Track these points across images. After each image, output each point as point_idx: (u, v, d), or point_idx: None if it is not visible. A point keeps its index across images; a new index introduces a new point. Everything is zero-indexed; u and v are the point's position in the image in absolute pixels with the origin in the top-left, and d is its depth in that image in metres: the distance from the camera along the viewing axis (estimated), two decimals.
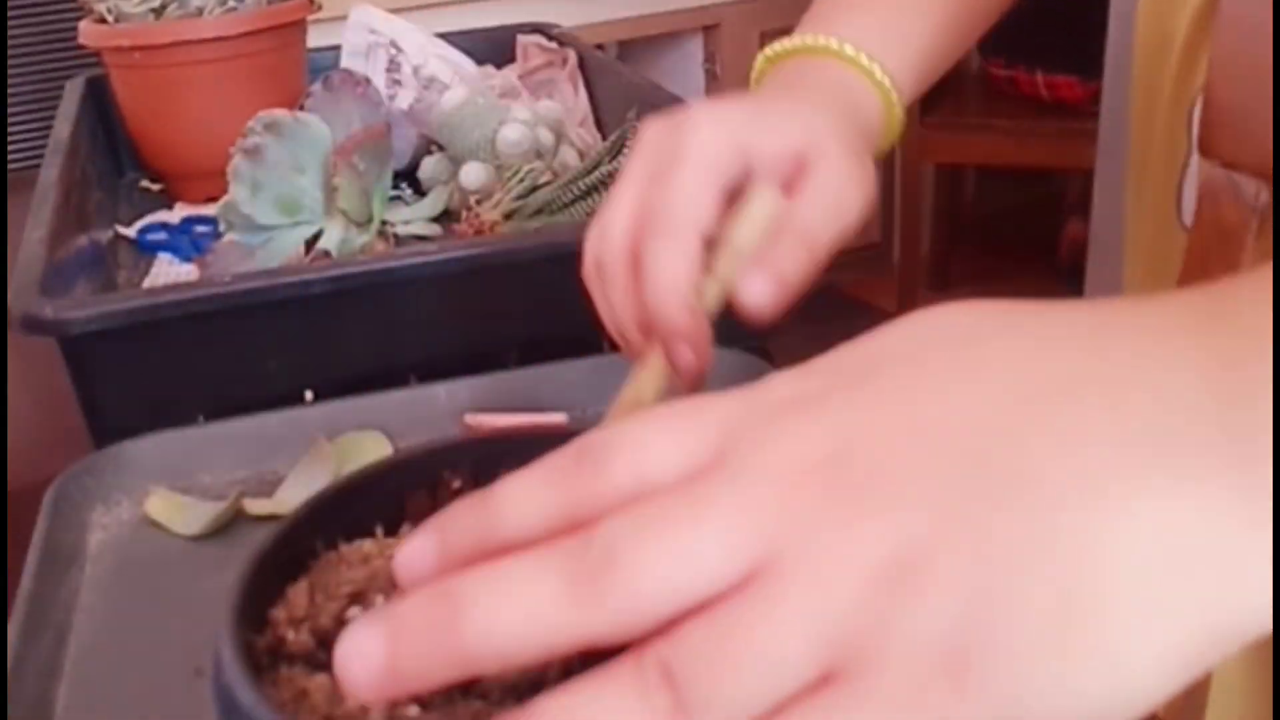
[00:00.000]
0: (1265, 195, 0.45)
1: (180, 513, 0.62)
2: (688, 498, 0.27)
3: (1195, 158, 0.50)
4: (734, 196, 0.49)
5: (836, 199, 0.49)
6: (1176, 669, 0.25)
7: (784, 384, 0.30)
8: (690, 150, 0.48)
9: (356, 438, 0.66)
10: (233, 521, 0.62)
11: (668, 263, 0.47)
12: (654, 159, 0.49)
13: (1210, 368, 0.26)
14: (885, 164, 2.93)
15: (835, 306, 2.90)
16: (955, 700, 0.25)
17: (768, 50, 0.59)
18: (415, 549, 0.31)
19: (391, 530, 0.47)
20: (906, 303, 2.70)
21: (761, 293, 0.46)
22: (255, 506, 0.62)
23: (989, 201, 3.18)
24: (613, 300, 0.50)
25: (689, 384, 0.48)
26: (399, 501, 0.47)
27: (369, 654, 0.28)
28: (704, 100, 0.53)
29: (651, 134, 0.50)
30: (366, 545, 0.46)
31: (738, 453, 0.28)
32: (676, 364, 0.47)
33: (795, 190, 0.49)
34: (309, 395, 0.71)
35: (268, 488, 0.64)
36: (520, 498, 0.30)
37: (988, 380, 0.27)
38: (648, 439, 0.29)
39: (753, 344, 0.78)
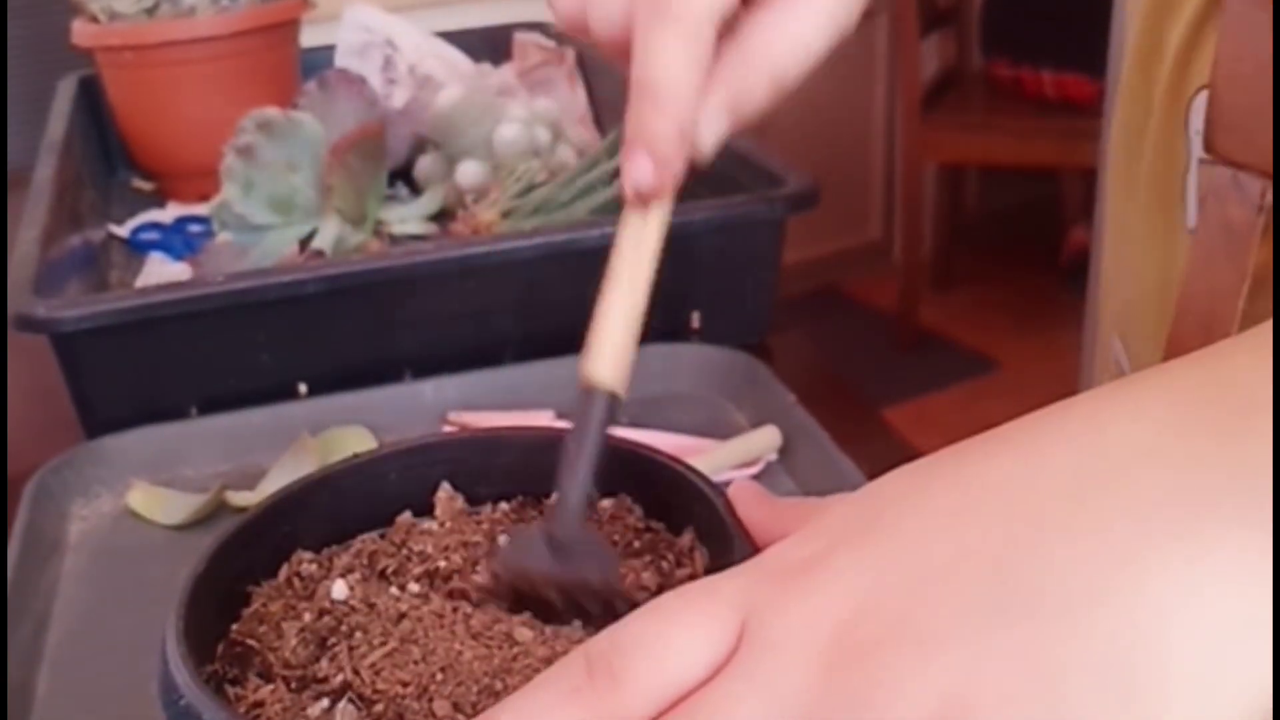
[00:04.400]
0: (1271, 195, 0.44)
1: (162, 504, 0.62)
2: (724, 695, 0.26)
3: (1195, 161, 0.50)
4: None
5: (805, 33, 0.41)
6: None
7: (788, 550, 0.29)
8: None
9: (340, 433, 0.66)
10: (215, 513, 0.62)
11: (669, 62, 0.39)
12: None
13: (1210, 434, 0.25)
14: (886, 162, 2.92)
15: (835, 306, 2.89)
16: None
17: None
18: None
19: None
20: (907, 302, 2.69)
21: (722, 126, 0.41)
22: (238, 498, 0.61)
23: (991, 201, 3.17)
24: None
25: (635, 200, 0.42)
26: (369, 502, 0.47)
27: None
28: None
29: None
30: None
31: (761, 626, 0.27)
32: (631, 177, 0.41)
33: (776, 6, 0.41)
34: (303, 389, 0.71)
35: (251, 481, 0.64)
36: (529, 707, 0.28)
37: (988, 508, 0.27)
38: (666, 636, 0.28)
39: (752, 342, 0.78)
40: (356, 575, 0.44)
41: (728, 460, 0.62)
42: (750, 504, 0.39)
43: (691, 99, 0.39)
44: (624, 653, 0.27)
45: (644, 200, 0.41)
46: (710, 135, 0.41)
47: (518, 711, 0.28)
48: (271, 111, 0.88)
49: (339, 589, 0.42)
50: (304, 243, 0.87)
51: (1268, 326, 0.27)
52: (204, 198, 0.94)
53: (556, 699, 0.28)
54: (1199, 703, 0.24)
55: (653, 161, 0.40)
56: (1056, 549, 0.25)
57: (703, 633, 0.27)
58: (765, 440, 0.64)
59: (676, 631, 0.27)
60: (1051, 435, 0.28)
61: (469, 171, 0.98)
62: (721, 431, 0.67)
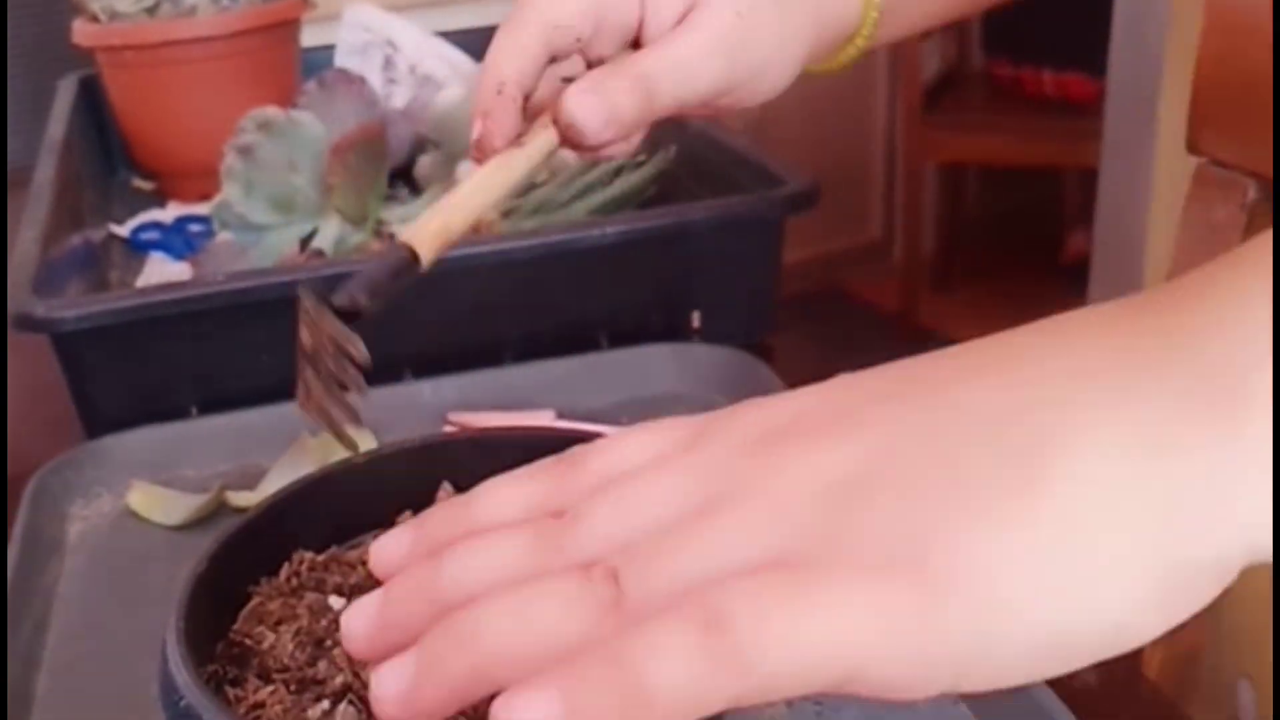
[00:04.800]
0: (1254, 192, 0.45)
1: (162, 504, 0.62)
2: (653, 470, 0.29)
3: None
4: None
5: (689, 59, 0.50)
6: (1149, 588, 0.25)
7: (753, 406, 0.32)
8: None
9: None
10: (215, 513, 0.62)
11: (500, 45, 0.49)
12: None
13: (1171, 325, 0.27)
14: (887, 162, 2.92)
15: (835, 306, 2.89)
16: (915, 588, 0.25)
17: None
18: (392, 539, 0.32)
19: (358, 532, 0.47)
20: (908, 302, 2.69)
21: (588, 106, 0.48)
22: (238, 499, 0.62)
23: (991, 201, 3.17)
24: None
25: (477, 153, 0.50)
26: (370, 502, 0.47)
27: (364, 615, 0.30)
28: None
29: None
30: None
31: (708, 436, 0.30)
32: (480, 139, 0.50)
33: (665, 35, 0.50)
34: None
35: (251, 481, 0.64)
36: (499, 494, 0.32)
37: (972, 384, 0.28)
38: (622, 442, 0.31)
39: (752, 342, 0.78)
40: (354, 580, 0.44)
41: None
42: None
43: (510, 66, 0.49)
44: (587, 450, 0.32)
45: (481, 151, 0.50)
46: (574, 106, 0.48)
47: (490, 487, 0.32)
48: (272, 111, 0.88)
49: (335, 603, 0.43)
50: (304, 242, 0.88)
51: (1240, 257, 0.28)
52: (204, 197, 0.94)
53: (525, 473, 0.32)
54: (1101, 526, 0.25)
55: (480, 120, 0.49)
56: (989, 378, 0.28)
57: (654, 445, 0.31)
58: None
59: (631, 441, 0.31)
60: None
61: (469, 171, 0.98)
62: None
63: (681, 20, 0.50)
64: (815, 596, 0.25)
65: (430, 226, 0.47)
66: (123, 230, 1.02)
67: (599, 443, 0.31)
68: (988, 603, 0.25)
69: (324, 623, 0.41)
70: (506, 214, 0.92)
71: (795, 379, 0.68)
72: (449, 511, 0.32)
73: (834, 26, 0.55)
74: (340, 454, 0.61)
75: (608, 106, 0.48)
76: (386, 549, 0.32)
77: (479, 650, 0.27)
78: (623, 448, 0.31)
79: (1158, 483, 0.25)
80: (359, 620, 0.30)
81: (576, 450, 0.32)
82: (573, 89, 0.48)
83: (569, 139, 0.49)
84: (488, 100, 0.48)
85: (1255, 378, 0.25)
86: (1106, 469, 0.25)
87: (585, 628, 0.27)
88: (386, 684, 0.27)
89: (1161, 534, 0.25)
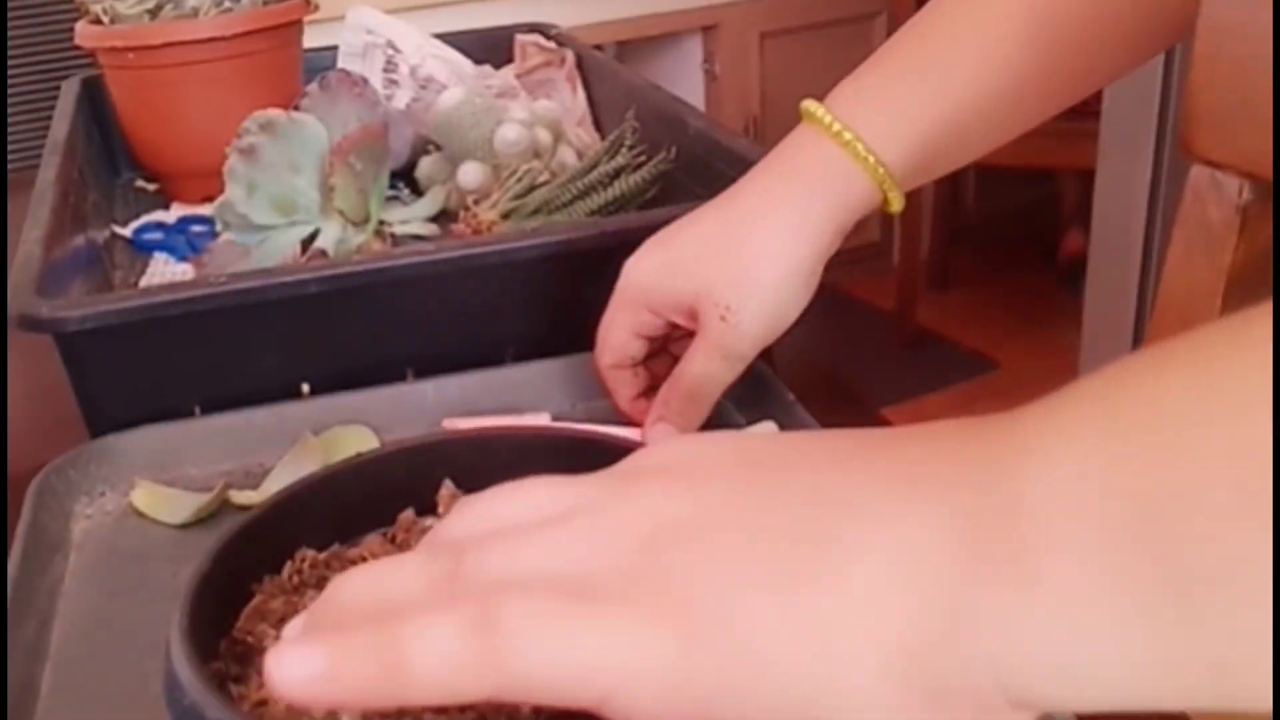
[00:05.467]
0: (1248, 194, 0.45)
1: (165, 503, 0.62)
2: (545, 532, 0.32)
3: None
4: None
5: (722, 348, 0.58)
6: (889, 687, 0.27)
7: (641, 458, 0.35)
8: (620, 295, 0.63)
9: (342, 432, 0.66)
10: (218, 511, 0.62)
11: (607, 333, 0.62)
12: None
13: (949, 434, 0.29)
14: None
15: (835, 306, 2.90)
16: (680, 631, 0.28)
17: (807, 104, 0.61)
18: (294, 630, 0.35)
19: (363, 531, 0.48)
20: (905, 303, 2.70)
21: (664, 433, 0.59)
22: (242, 497, 0.62)
23: (989, 202, 3.18)
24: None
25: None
26: (372, 500, 0.48)
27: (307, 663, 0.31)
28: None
29: None
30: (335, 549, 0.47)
31: (581, 498, 0.33)
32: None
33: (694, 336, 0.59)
34: (305, 388, 0.72)
35: (254, 480, 0.64)
36: (401, 578, 0.33)
37: (791, 473, 0.31)
38: (510, 494, 0.34)
39: None
40: None
41: None
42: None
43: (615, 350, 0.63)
44: (473, 500, 0.34)
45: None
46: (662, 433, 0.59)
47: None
48: (274, 112, 0.88)
49: None
50: (306, 243, 0.88)
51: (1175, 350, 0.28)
52: (207, 198, 0.95)
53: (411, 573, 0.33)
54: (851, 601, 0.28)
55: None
56: (827, 469, 0.30)
57: (538, 500, 0.33)
58: None
59: (516, 494, 0.34)
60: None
61: (470, 172, 0.99)
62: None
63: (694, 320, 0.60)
64: (588, 625, 0.28)
65: None
66: (125, 231, 1.02)
67: (489, 494, 0.34)
68: (739, 656, 0.27)
69: None
70: (506, 214, 0.92)
71: (794, 379, 0.69)
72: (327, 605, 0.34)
73: (855, 213, 0.59)
74: (343, 453, 0.62)
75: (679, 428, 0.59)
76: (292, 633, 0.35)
77: (337, 604, 0.32)
78: (507, 499, 0.34)
79: (911, 598, 0.27)
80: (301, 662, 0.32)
81: (466, 500, 0.35)
82: (656, 427, 0.60)
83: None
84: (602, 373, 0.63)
85: (1046, 530, 0.25)
86: (869, 575, 0.27)
87: (420, 596, 0.30)
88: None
89: (902, 642, 0.27)
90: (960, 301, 2.87)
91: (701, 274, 0.58)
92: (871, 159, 0.56)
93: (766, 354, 0.76)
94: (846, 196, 0.57)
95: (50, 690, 0.51)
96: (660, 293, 0.59)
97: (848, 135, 0.57)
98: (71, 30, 1.08)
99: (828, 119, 0.58)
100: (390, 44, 1.17)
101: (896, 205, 0.59)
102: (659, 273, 0.60)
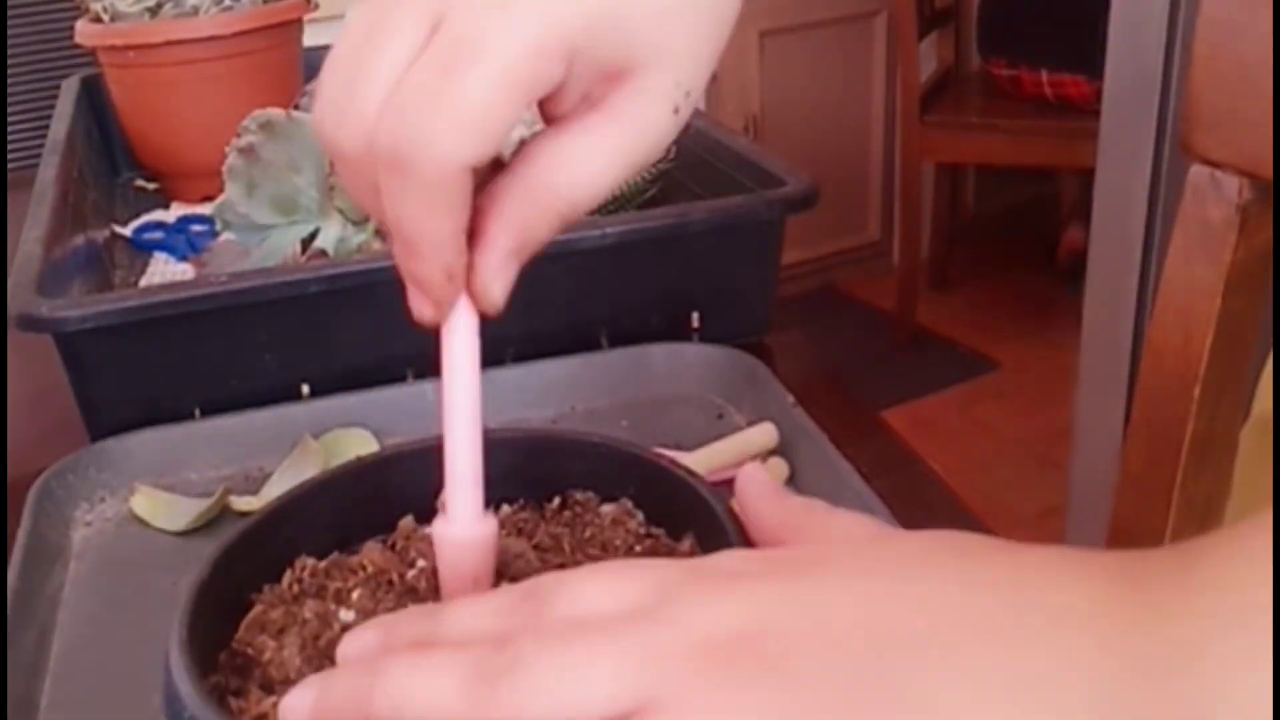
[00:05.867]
0: (1248, 193, 0.45)
1: (165, 509, 0.62)
2: (601, 633, 0.29)
3: None
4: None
5: (601, 168, 0.38)
6: None
7: (729, 560, 0.32)
8: (496, 39, 0.34)
9: (343, 435, 0.66)
10: (219, 518, 0.62)
11: (415, 215, 0.36)
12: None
13: (1117, 638, 0.27)
14: (885, 162, 2.93)
15: (834, 306, 2.90)
16: None
17: None
18: (361, 636, 0.34)
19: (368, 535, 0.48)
20: (905, 302, 2.70)
21: (502, 272, 0.39)
22: (241, 503, 0.62)
23: (989, 201, 3.18)
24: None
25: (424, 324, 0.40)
26: (372, 507, 0.48)
27: (298, 708, 0.32)
28: None
29: None
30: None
31: (666, 608, 0.30)
32: (415, 314, 0.40)
33: (580, 126, 0.38)
34: (305, 389, 0.72)
35: (254, 484, 0.64)
36: (465, 611, 0.33)
37: (910, 607, 0.28)
38: (590, 582, 0.31)
39: (751, 342, 0.78)
40: (361, 591, 0.44)
41: (723, 458, 0.63)
42: (757, 495, 0.39)
43: (449, 243, 0.37)
44: (555, 584, 0.32)
45: (434, 328, 0.40)
46: (500, 286, 0.39)
47: (460, 603, 0.33)
48: (274, 111, 0.88)
49: (344, 616, 0.43)
50: (306, 243, 0.88)
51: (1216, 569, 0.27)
52: (207, 198, 0.95)
53: (495, 600, 0.32)
54: None
55: (429, 301, 0.39)
56: (936, 670, 0.27)
57: (617, 592, 0.31)
58: (761, 438, 0.64)
59: (597, 584, 0.31)
60: (997, 570, 0.29)
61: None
62: (721, 432, 0.67)
63: (596, 97, 0.38)
64: None
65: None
66: (126, 230, 1.02)
67: (568, 578, 0.32)
68: None
69: (329, 635, 0.42)
70: None
71: (794, 379, 0.69)
72: (416, 618, 0.34)
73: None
74: (343, 457, 0.62)
75: (527, 252, 0.39)
76: (354, 643, 0.34)
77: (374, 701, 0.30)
78: (586, 590, 0.31)
79: None
80: (297, 707, 0.32)
81: (546, 581, 0.32)
82: (496, 264, 0.38)
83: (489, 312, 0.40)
84: (440, 289, 0.39)
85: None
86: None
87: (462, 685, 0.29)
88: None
89: None
90: (960, 301, 2.87)
91: (656, 39, 0.37)
92: None
93: (766, 354, 0.76)
94: None
95: (50, 704, 0.51)
96: (601, 44, 0.36)
97: None
98: (71, 29, 1.08)
99: None
100: None
101: None
102: (599, 20, 0.36)
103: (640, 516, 0.47)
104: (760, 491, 0.39)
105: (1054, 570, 0.29)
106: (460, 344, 0.40)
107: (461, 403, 0.39)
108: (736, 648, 0.28)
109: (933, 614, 0.28)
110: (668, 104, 0.38)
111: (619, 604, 0.30)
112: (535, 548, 0.45)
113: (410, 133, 0.34)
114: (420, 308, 0.39)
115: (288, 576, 0.45)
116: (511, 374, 0.72)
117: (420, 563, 0.45)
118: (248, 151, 0.87)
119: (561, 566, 0.44)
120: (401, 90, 0.34)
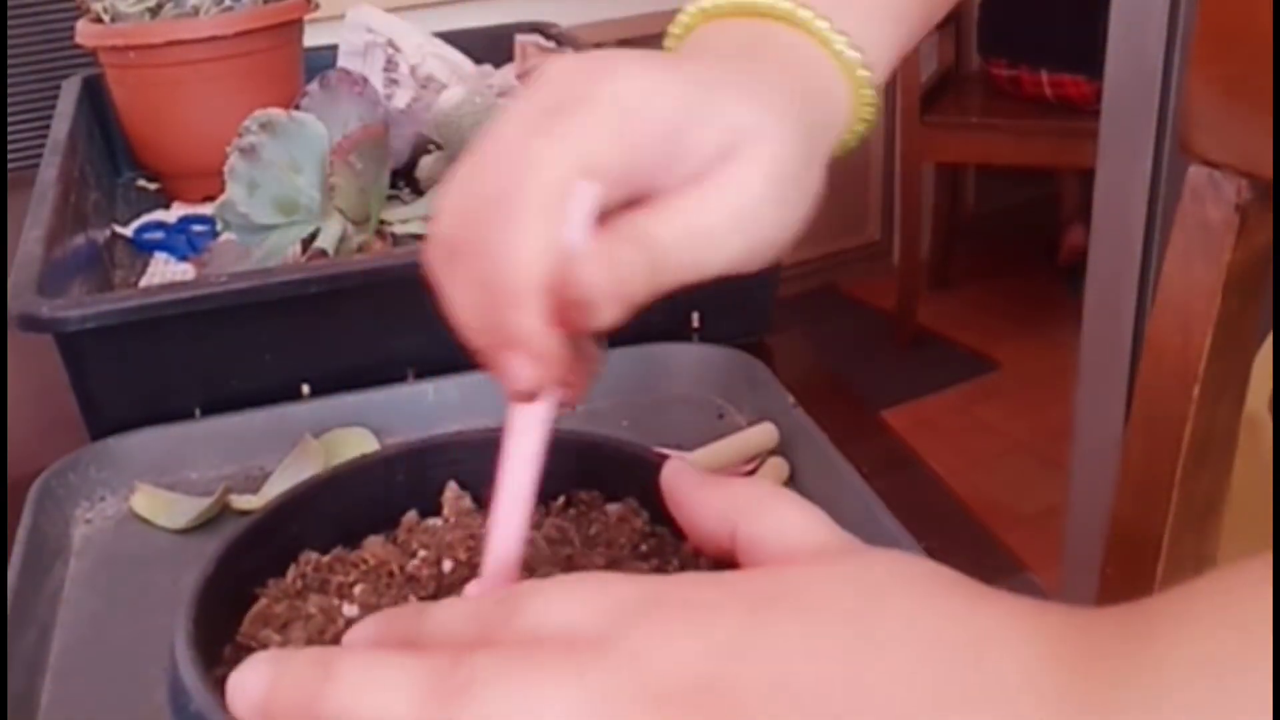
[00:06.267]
0: (1247, 194, 0.45)
1: (166, 508, 0.62)
2: (559, 660, 0.29)
3: None
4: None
5: (711, 229, 0.38)
6: None
7: (691, 585, 0.31)
8: (601, 102, 0.35)
9: (343, 434, 0.66)
10: (219, 516, 0.62)
11: (520, 242, 0.34)
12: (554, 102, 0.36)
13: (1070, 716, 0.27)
14: (885, 162, 2.93)
15: (834, 306, 2.90)
16: None
17: (704, 1, 0.43)
18: (362, 632, 0.34)
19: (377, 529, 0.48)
20: (906, 302, 2.70)
21: (599, 277, 0.36)
22: (242, 502, 0.62)
23: (989, 201, 3.18)
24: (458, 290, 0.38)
25: (520, 398, 0.38)
26: (374, 503, 0.48)
27: (249, 688, 0.31)
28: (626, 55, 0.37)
29: (559, 72, 0.37)
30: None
31: (626, 638, 0.29)
32: (508, 377, 0.37)
33: (686, 193, 0.37)
34: (305, 389, 0.72)
35: (254, 484, 0.64)
36: (446, 614, 0.33)
37: (868, 668, 0.28)
38: (558, 600, 0.31)
39: (751, 341, 0.78)
40: (364, 585, 0.44)
41: (723, 458, 0.63)
42: (683, 483, 0.38)
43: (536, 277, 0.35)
44: (527, 595, 0.31)
45: (531, 397, 0.38)
46: (604, 320, 0.37)
47: (448, 605, 0.33)
48: (275, 112, 0.88)
49: (348, 610, 0.43)
50: (307, 243, 0.88)
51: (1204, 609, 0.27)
52: (208, 198, 0.95)
53: (476, 605, 0.32)
54: None
55: (530, 360, 0.36)
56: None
57: (579, 613, 0.30)
58: (761, 438, 0.64)
59: (562, 601, 0.31)
60: (960, 631, 0.29)
61: None
62: (721, 432, 0.67)
63: (703, 174, 0.37)
64: None
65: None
66: (126, 230, 1.02)
67: (537, 591, 0.31)
68: None
69: (332, 629, 0.42)
70: None
71: (794, 379, 0.69)
72: (409, 614, 0.34)
73: (834, 125, 0.45)
74: (343, 456, 0.62)
75: (624, 299, 0.37)
76: (355, 640, 0.34)
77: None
78: (550, 607, 0.31)
79: None
80: (248, 688, 0.31)
81: (522, 590, 0.32)
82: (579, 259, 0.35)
83: (565, 325, 0.36)
84: (543, 341, 0.36)
85: None
86: None
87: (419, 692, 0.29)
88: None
89: None
90: (960, 301, 2.87)
91: (744, 97, 0.38)
92: (855, 57, 0.45)
93: (766, 354, 0.76)
94: (830, 103, 0.45)
95: (50, 702, 0.51)
96: (691, 119, 0.36)
97: (825, 29, 0.44)
98: (72, 29, 1.08)
99: (802, 12, 0.43)
100: (391, 43, 1.17)
101: (866, 119, 0.47)
102: (679, 88, 0.36)
103: (646, 515, 0.47)
104: (686, 477, 0.38)
105: (1014, 634, 0.29)
106: (531, 434, 0.39)
107: (517, 488, 0.39)
108: (691, 702, 0.28)
109: (891, 676, 0.28)
110: (764, 172, 0.39)
111: (584, 621, 0.30)
112: (544, 539, 0.46)
113: None
114: (524, 372, 0.37)
115: (292, 571, 0.45)
116: None
117: (421, 553, 0.46)
118: (249, 151, 0.87)
119: (570, 557, 0.44)
120: None
